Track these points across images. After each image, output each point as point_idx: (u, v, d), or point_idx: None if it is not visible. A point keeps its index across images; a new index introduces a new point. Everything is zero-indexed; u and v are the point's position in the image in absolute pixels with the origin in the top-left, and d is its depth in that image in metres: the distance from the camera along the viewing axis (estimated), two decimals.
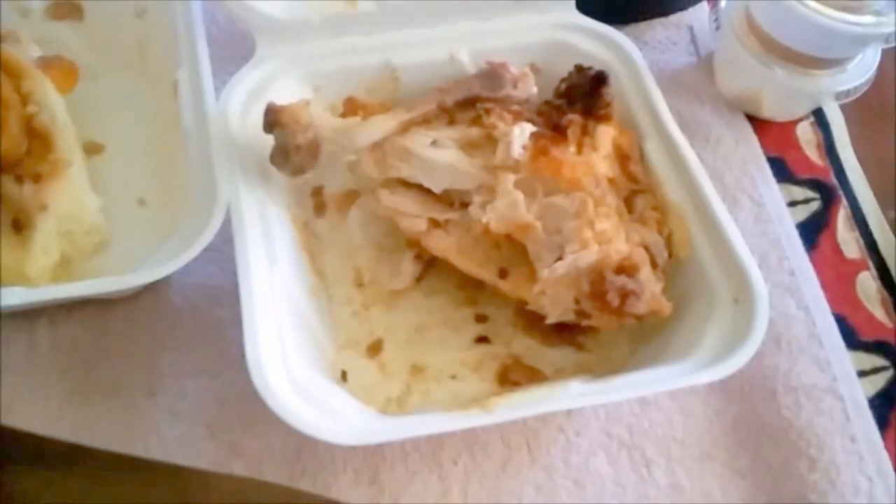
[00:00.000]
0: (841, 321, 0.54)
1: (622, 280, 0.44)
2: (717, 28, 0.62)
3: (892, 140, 0.64)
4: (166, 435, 0.48)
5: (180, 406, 0.49)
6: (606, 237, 0.45)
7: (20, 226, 0.49)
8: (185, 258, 0.45)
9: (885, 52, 0.59)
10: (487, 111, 0.50)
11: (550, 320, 0.47)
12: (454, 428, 0.43)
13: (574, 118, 0.49)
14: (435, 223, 0.50)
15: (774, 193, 0.59)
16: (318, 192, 0.56)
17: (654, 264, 0.47)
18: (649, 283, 0.45)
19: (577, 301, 0.45)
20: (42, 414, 0.48)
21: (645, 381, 0.44)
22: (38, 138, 0.49)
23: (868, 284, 0.56)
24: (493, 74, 0.52)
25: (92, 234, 0.52)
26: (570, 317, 0.46)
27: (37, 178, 0.49)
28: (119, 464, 0.40)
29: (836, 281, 0.56)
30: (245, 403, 0.47)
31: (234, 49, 0.56)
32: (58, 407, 0.48)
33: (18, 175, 0.49)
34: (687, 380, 0.44)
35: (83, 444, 0.41)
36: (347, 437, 0.41)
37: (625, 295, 0.44)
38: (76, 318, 0.51)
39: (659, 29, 0.67)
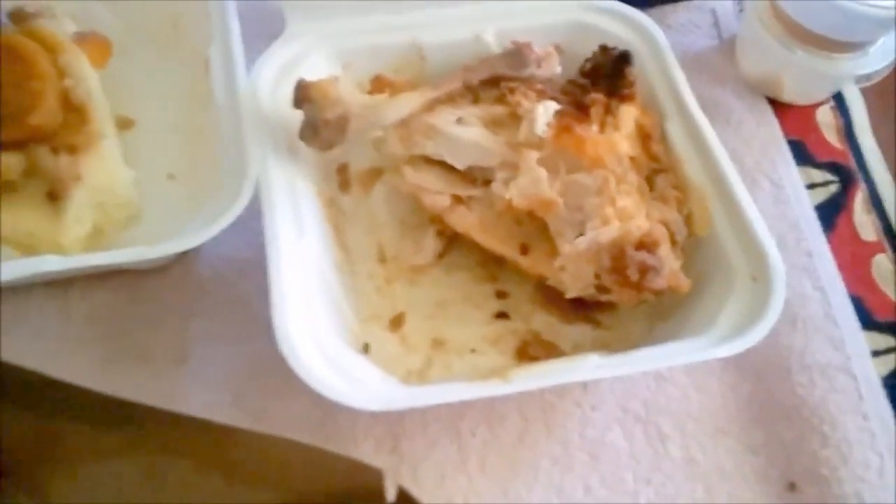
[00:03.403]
0: (856, 302, 0.54)
1: (642, 255, 0.44)
2: (741, 11, 0.62)
3: None
4: (194, 400, 0.49)
5: (208, 373, 0.50)
6: (627, 214, 0.46)
7: (55, 196, 0.50)
8: (216, 229, 0.46)
9: None
10: (512, 90, 0.51)
11: (570, 295, 0.48)
12: (473, 396, 0.44)
13: (597, 97, 0.50)
14: (458, 200, 0.51)
15: (793, 176, 0.59)
16: (343, 169, 0.57)
17: (673, 242, 0.48)
18: (668, 260, 0.46)
19: (597, 276, 0.46)
20: (75, 379, 0.48)
21: (661, 355, 0.45)
22: (74, 111, 0.50)
23: (884, 266, 0.57)
24: (517, 54, 0.53)
25: (124, 206, 0.53)
26: (589, 292, 0.47)
27: (72, 150, 0.50)
28: (165, 418, 0.41)
29: (853, 262, 0.56)
30: (270, 372, 0.47)
31: (265, 26, 0.56)
32: (89, 372, 0.49)
33: (54, 147, 0.49)
34: (702, 354, 0.44)
35: (131, 399, 0.42)
36: (371, 403, 0.42)
37: (644, 270, 0.44)
38: (108, 288, 0.52)
39: (682, 12, 0.67)
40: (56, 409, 0.41)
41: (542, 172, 0.48)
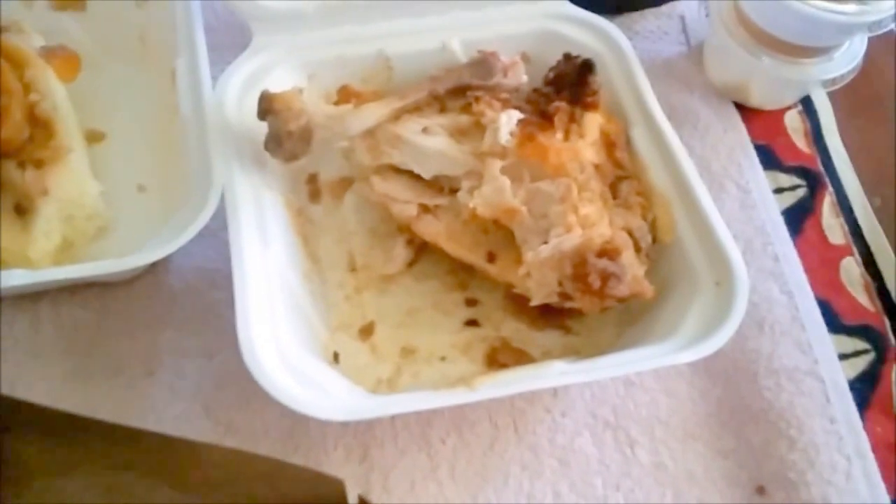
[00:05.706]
0: (824, 305, 0.55)
1: (604, 263, 0.45)
2: (707, 16, 0.63)
3: (878, 128, 0.64)
4: (164, 413, 0.49)
5: (178, 385, 0.50)
6: (590, 221, 0.46)
7: (23, 210, 0.50)
8: (181, 240, 0.47)
9: (871, 41, 0.60)
10: (477, 99, 0.51)
11: (534, 302, 0.48)
12: (440, 405, 0.44)
13: (561, 105, 0.50)
14: (425, 209, 0.51)
15: (761, 180, 0.60)
16: (313, 179, 0.57)
17: (637, 248, 0.48)
18: (631, 266, 0.46)
19: (560, 283, 0.46)
20: (45, 392, 0.49)
21: (626, 361, 0.45)
22: (40, 125, 0.51)
23: (852, 269, 0.57)
24: (483, 63, 0.53)
25: (92, 218, 0.53)
26: (553, 299, 0.47)
27: (39, 164, 0.50)
28: (115, 433, 0.41)
29: (821, 266, 0.57)
30: (240, 383, 0.48)
31: (232, 38, 0.57)
32: (60, 385, 0.50)
33: (21, 161, 0.50)
34: (666, 360, 0.45)
35: (81, 415, 0.42)
36: (337, 413, 0.42)
37: (606, 277, 0.45)
38: (78, 301, 0.53)
39: (651, 19, 0.68)
40: (13, 424, 0.41)
41: (506, 181, 0.48)
